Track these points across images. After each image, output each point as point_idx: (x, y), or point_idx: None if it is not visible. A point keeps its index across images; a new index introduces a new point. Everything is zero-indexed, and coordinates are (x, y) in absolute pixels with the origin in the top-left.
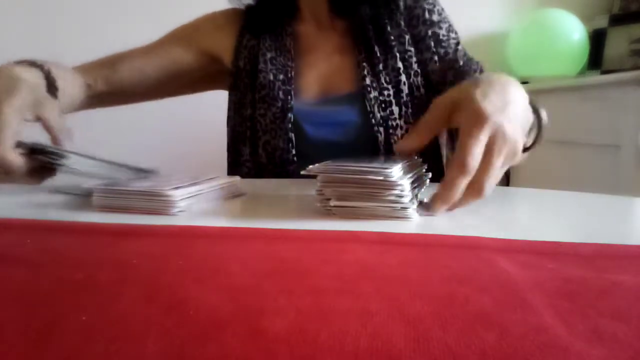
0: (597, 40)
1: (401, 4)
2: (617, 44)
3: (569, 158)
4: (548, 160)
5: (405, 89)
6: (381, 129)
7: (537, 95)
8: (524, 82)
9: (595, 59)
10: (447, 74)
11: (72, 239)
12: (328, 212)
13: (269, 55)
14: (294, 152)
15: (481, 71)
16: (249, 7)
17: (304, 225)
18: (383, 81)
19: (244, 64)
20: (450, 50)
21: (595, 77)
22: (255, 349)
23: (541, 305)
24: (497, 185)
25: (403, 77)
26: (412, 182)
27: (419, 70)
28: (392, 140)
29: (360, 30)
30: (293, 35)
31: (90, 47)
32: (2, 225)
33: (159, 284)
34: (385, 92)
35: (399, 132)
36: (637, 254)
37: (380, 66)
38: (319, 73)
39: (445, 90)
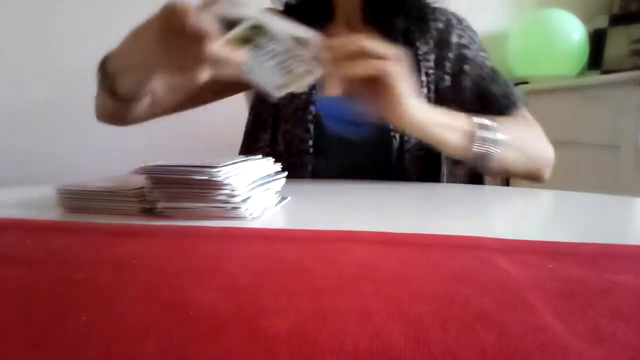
0: (597, 40)
1: (432, 25)
2: (617, 44)
3: (569, 158)
4: None
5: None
6: (397, 135)
7: (537, 95)
8: (524, 83)
9: (595, 59)
10: (467, 90)
11: (72, 239)
12: (160, 214)
13: None
14: (311, 143)
15: (510, 95)
16: (287, 6)
17: (303, 225)
18: None
19: None
20: (477, 70)
21: (595, 77)
22: (255, 349)
23: (541, 305)
24: (497, 185)
25: (424, 90)
26: (256, 182)
27: (432, 89)
28: (405, 148)
29: (391, 40)
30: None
31: (91, 47)
32: (2, 225)
33: (159, 284)
34: None
35: (412, 141)
36: (637, 254)
37: None
38: None
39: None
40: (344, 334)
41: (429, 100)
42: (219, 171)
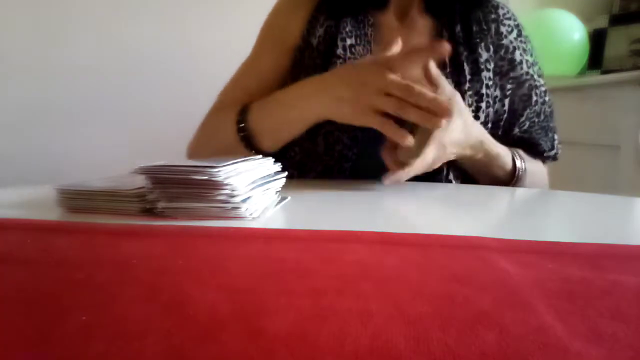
0: (597, 40)
1: (492, 26)
2: (617, 44)
3: (569, 158)
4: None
5: (482, 117)
6: None
7: None
8: None
9: (595, 59)
10: (517, 125)
11: (72, 239)
12: (160, 214)
13: (348, 42)
14: (356, 150)
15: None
16: None
17: (302, 225)
18: (466, 103)
19: (317, 42)
20: (540, 101)
21: (595, 77)
22: (255, 349)
23: (541, 305)
24: (498, 185)
25: (483, 105)
26: (256, 182)
27: (490, 102)
28: (459, 164)
29: (450, 38)
30: (375, 27)
31: (91, 47)
32: (2, 225)
33: (159, 284)
34: None
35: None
36: (637, 254)
37: (466, 86)
38: None
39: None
40: (344, 334)
41: (487, 116)
42: (219, 171)
